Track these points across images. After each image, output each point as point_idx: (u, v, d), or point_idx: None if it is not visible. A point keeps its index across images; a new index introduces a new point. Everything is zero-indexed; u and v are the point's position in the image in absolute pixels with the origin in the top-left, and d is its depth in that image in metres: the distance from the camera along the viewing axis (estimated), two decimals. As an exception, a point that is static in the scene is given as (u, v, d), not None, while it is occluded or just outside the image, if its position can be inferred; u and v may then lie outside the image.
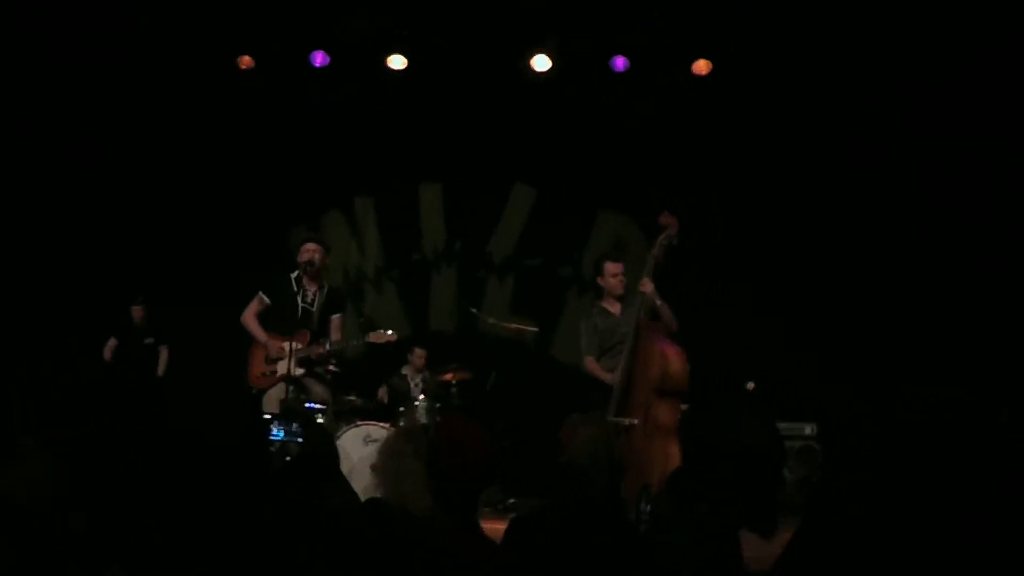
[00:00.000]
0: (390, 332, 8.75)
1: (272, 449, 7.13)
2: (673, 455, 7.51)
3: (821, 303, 10.63)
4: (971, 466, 2.87)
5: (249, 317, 8.74)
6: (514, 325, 10.36)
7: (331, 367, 8.69)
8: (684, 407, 8.11)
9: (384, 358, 10.50)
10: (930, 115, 10.28)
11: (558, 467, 4.45)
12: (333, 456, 4.53)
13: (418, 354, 11.03)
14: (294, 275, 8.70)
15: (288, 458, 6.80)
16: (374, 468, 4.90)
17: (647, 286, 8.04)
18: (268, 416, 7.75)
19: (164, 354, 11.48)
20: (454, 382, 10.17)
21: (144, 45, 11.25)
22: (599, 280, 8.49)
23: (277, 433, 7.53)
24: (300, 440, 7.37)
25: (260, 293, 8.76)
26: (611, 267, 8.43)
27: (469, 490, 3.86)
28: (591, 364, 8.32)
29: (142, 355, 11.45)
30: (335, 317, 8.77)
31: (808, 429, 10.31)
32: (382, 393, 10.68)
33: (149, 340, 11.46)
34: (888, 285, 10.43)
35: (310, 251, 8.65)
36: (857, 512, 2.86)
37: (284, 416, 7.77)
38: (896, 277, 10.42)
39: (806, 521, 2.99)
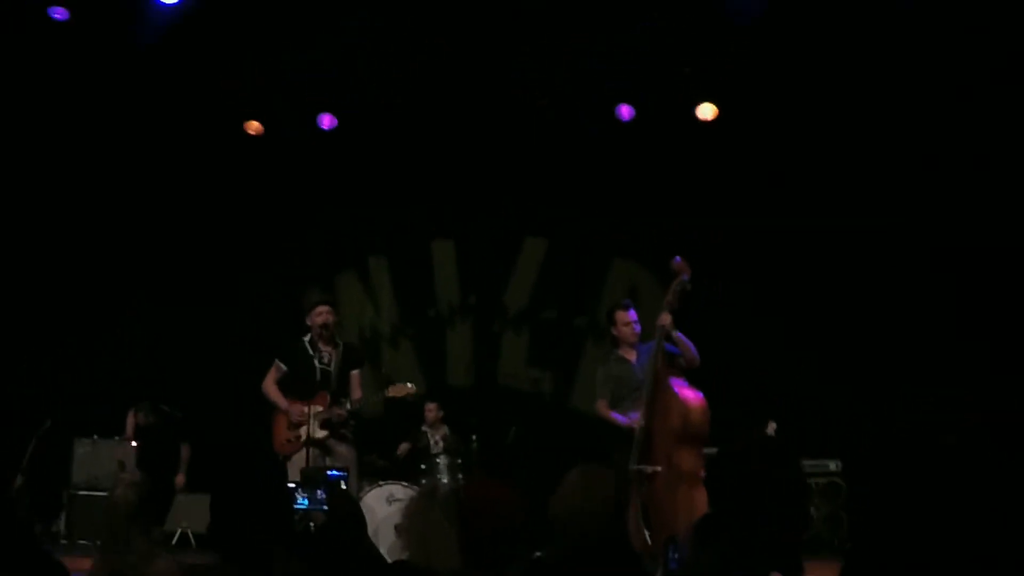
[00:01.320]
0: (410, 385, 8.73)
1: (296, 517, 7.11)
2: (698, 502, 7.49)
3: (843, 341, 10.59)
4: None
5: (269, 385, 8.76)
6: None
7: (351, 426, 8.69)
8: (708, 451, 8.10)
9: (403, 416, 10.51)
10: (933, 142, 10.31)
11: (559, 518, 4.38)
12: (360, 521, 4.53)
13: (430, 408, 10.99)
14: (307, 338, 8.73)
15: (312, 525, 6.79)
16: (399, 529, 4.89)
17: (665, 319, 8.04)
18: (292, 484, 7.73)
19: (185, 453, 10.66)
20: (474, 438, 10.14)
21: (155, 110, 11.32)
22: (612, 330, 8.53)
23: (302, 501, 7.51)
24: (325, 507, 7.35)
25: (277, 360, 8.79)
26: (622, 316, 8.47)
27: (500, 551, 3.86)
28: (602, 408, 8.36)
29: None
30: (355, 373, 8.78)
31: (833, 465, 10.28)
32: (403, 449, 10.65)
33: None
34: (908, 320, 10.38)
35: (323, 313, 8.67)
36: (896, 544, 2.86)
37: (307, 483, 7.75)
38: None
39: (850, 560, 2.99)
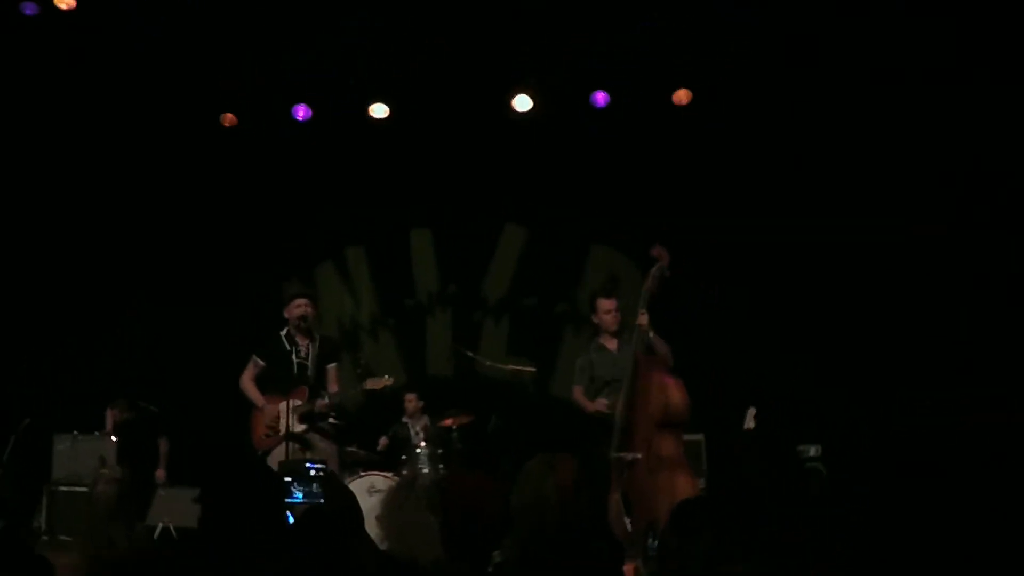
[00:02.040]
0: (387, 377, 8.72)
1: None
2: (678, 487, 7.52)
3: (820, 324, 10.59)
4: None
5: (247, 381, 8.76)
6: (511, 366, 10.32)
7: (332, 420, 8.68)
8: (688, 437, 8.14)
9: (384, 407, 10.51)
10: (919, 126, 10.29)
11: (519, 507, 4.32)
12: (357, 512, 4.50)
13: (409, 399, 10.98)
14: (284, 332, 8.71)
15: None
16: (379, 519, 4.88)
17: (642, 319, 8.07)
18: (288, 479, 7.71)
19: (164, 447, 10.71)
20: (455, 427, 10.13)
21: (130, 102, 11.28)
22: (593, 317, 8.55)
23: (296, 495, 7.50)
24: (321, 500, 7.33)
25: (254, 356, 8.79)
26: (604, 303, 8.50)
27: (482, 542, 3.86)
28: (577, 394, 8.43)
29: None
30: (331, 367, 8.77)
31: (812, 451, 10.28)
32: (383, 443, 10.66)
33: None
34: (888, 299, 10.38)
35: (302, 306, 8.66)
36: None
37: (297, 476, 7.74)
38: (897, 291, 10.37)
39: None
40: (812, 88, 10.54)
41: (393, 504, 4.85)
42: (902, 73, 10.13)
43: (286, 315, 8.69)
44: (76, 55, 10.59)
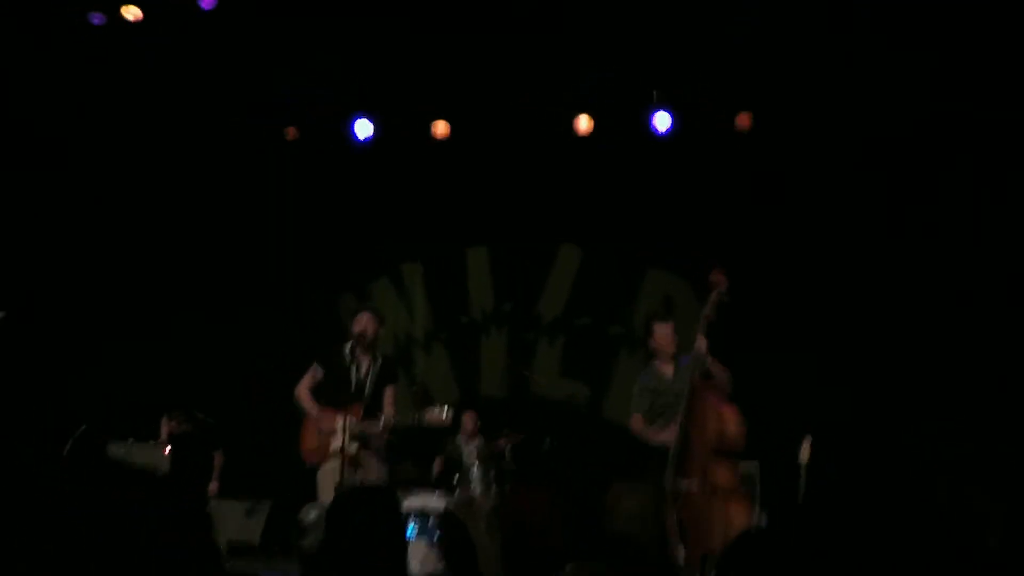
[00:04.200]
0: (445, 415, 8.61)
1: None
2: (733, 516, 7.47)
3: (881, 352, 10.47)
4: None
5: (303, 390, 8.70)
6: (565, 389, 10.29)
7: (385, 438, 8.65)
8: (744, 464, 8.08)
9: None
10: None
11: (606, 537, 4.37)
12: (471, 548, 4.48)
13: (468, 418, 10.95)
14: (347, 346, 8.67)
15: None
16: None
17: (701, 343, 8.02)
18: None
19: (218, 460, 10.67)
20: (508, 447, 10.10)
21: (194, 116, 11.38)
22: (650, 341, 8.49)
23: (411, 532, 7.49)
24: (436, 539, 7.32)
25: (315, 365, 8.73)
26: (660, 328, 8.45)
27: (545, 566, 3.84)
28: (637, 423, 8.35)
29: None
30: (388, 389, 8.72)
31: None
32: (437, 465, 10.60)
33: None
34: (952, 330, 10.25)
35: (363, 322, 8.63)
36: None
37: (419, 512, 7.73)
38: (961, 322, 10.24)
39: None
40: (870, 119, 10.48)
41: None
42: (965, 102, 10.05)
43: (352, 329, 8.66)
44: (140, 66, 10.67)
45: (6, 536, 3.12)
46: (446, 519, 7.04)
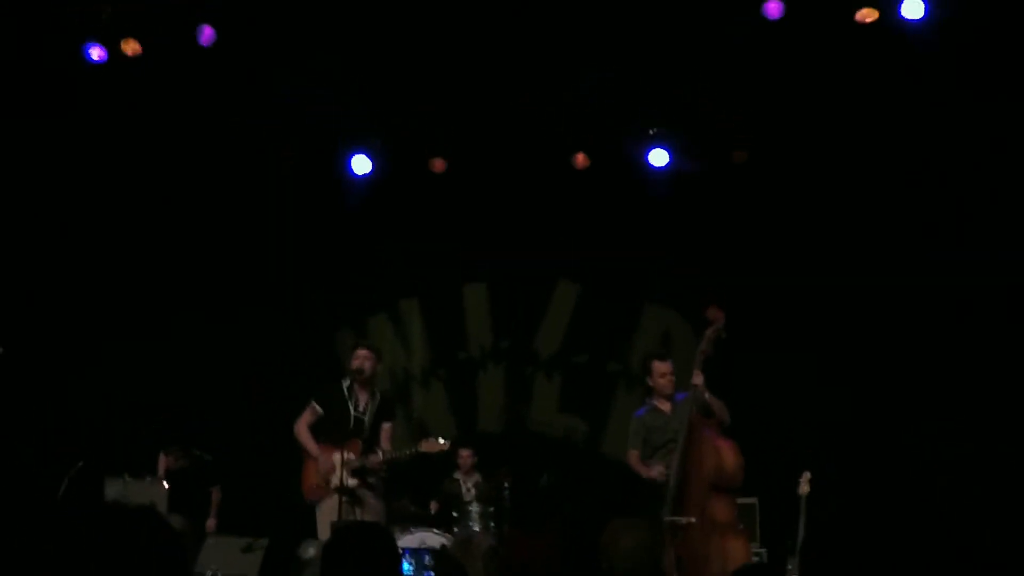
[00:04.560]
0: (442, 441, 8.66)
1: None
2: (731, 552, 7.47)
3: (879, 386, 10.47)
4: None
5: (302, 428, 8.71)
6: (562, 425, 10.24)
7: (382, 474, 8.65)
8: (742, 501, 8.07)
9: (435, 461, 10.47)
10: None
11: (604, 574, 4.38)
12: None
13: (464, 455, 10.91)
14: (345, 382, 8.68)
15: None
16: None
17: (698, 379, 8.04)
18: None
19: (216, 496, 10.59)
20: (506, 484, 10.08)
21: (191, 124, 11.39)
22: (648, 379, 8.50)
23: (407, 568, 7.49)
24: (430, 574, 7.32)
25: (312, 403, 8.75)
26: (659, 366, 8.47)
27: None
28: (633, 459, 8.37)
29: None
30: (386, 426, 8.74)
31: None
32: (434, 507, 10.55)
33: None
34: (952, 362, 10.25)
35: (361, 358, 8.65)
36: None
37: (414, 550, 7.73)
38: (963, 353, 10.25)
39: None
40: (868, 150, 10.53)
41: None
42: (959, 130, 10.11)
43: (349, 365, 8.67)
44: (142, 69, 10.66)
45: (6, 536, 3.14)
46: (439, 556, 7.04)
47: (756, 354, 10.52)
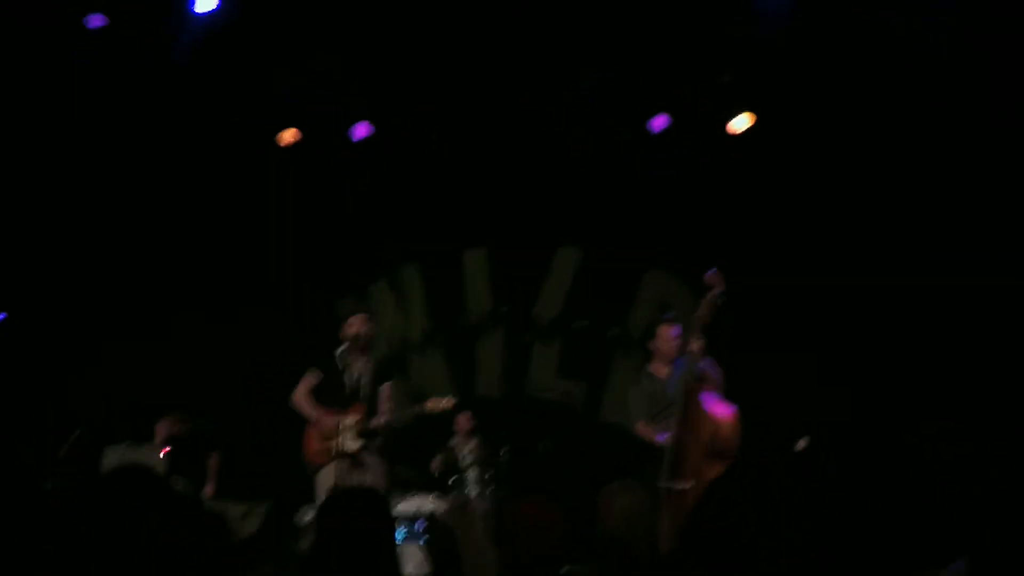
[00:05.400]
0: (446, 399, 8.66)
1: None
2: (728, 518, 7.45)
3: (877, 356, 10.48)
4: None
5: (301, 396, 8.71)
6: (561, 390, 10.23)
7: (381, 439, 8.65)
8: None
9: (434, 426, 10.49)
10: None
11: (597, 537, 4.40)
12: (456, 551, 4.50)
13: (462, 420, 10.94)
14: (342, 348, 8.67)
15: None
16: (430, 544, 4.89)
17: (695, 344, 8.03)
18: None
19: (214, 462, 10.58)
20: (504, 450, 10.09)
21: (190, 119, 11.37)
22: (651, 344, 8.49)
23: (400, 535, 7.50)
24: (422, 541, 7.32)
25: (310, 370, 8.74)
26: (665, 331, 8.46)
27: (543, 571, 3.85)
28: (642, 429, 8.32)
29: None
30: (385, 386, 8.74)
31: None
32: (435, 465, 10.59)
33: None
34: (948, 338, 10.25)
35: (357, 324, 8.64)
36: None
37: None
38: (957, 330, 10.24)
39: None
40: (868, 150, 10.52)
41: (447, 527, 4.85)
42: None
43: (344, 333, 8.67)
44: (139, 66, 10.65)
45: (6, 536, 3.13)
46: (432, 523, 7.05)
47: (754, 354, 10.49)
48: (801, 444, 8.72)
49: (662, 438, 8.08)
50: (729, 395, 8.20)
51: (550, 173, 11.71)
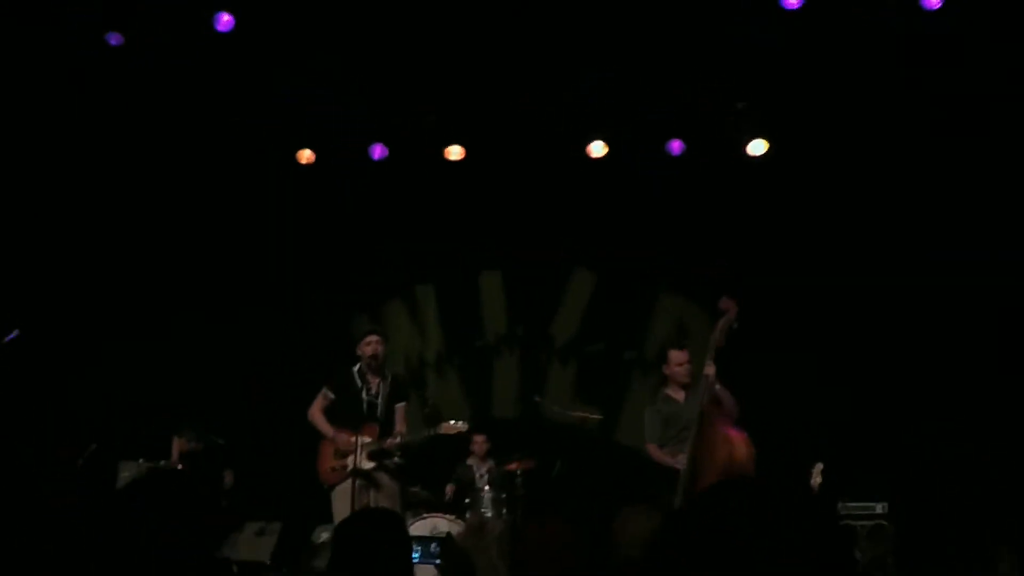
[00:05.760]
0: (461, 423, 8.67)
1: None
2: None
3: (889, 380, 10.47)
4: None
5: (316, 413, 8.72)
6: (578, 413, 10.29)
7: (396, 459, 8.65)
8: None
9: (449, 447, 10.49)
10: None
11: (616, 563, 4.39)
12: (471, 573, 4.51)
13: (478, 441, 10.92)
14: (356, 368, 8.68)
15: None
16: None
17: (710, 369, 8.03)
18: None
19: (228, 479, 10.55)
20: (519, 471, 10.09)
21: (206, 139, 11.42)
22: (664, 368, 8.50)
23: (414, 554, 7.51)
24: (437, 562, 7.32)
25: (324, 389, 8.75)
26: (676, 356, 8.46)
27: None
28: (653, 451, 8.32)
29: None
30: (399, 406, 8.74)
31: (879, 508, 10.12)
32: (450, 491, 10.56)
33: None
34: (957, 359, 10.25)
35: (372, 343, 8.65)
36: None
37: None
38: (974, 347, 10.23)
39: None
40: (871, 151, 10.53)
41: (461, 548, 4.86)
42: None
43: (359, 351, 8.68)
44: (148, 71, 10.67)
45: (6, 536, 3.16)
46: (446, 544, 7.04)
47: (757, 354, 10.49)
48: (816, 473, 8.70)
49: (674, 462, 8.08)
50: (743, 419, 8.20)
51: (566, 193, 11.72)
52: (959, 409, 10.10)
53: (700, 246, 11.44)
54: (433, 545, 7.73)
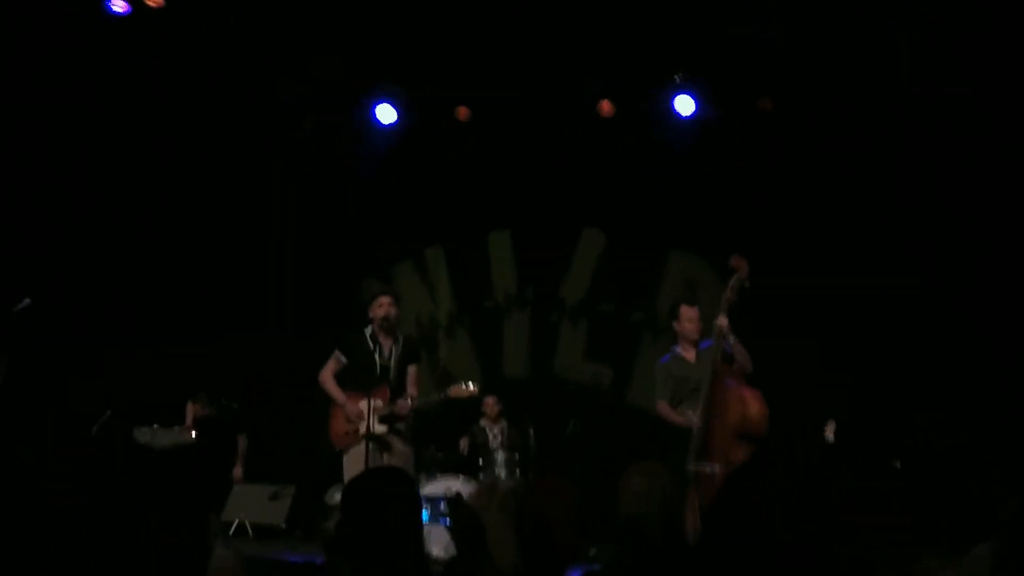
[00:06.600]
0: (472, 386, 8.64)
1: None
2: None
3: (903, 337, 10.45)
4: None
5: (327, 377, 8.68)
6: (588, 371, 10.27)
7: (410, 421, 8.64)
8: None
9: (461, 408, 10.50)
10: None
11: (619, 520, 4.37)
12: (480, 532, 4.51)
13: (490, 403, 10.95)
14: (368, 330, 8.65)
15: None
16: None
17: (722, 320, 7.98)
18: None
19: (242, 444, 10.52)
20: (532, 432, 10.10)
21: (218, 103, 11.41)
22: (675, 324, 8.46)
23: (424, 516, 7.54)
24: (447, 522, 7.32)
25: (336, 352, 8.71)
26: (687, 311, 8.40)
27: (557, 556, 3.85)
28: (663, 408, 8.28)
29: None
30: (411, 368, 8.70)
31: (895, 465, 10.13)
32: (463, 444, 10.63)
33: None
34: (966, 323, 10.22)
35: (384, 305, 8.60)
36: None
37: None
38: (977, 314, 10.21)
39: None
40: (873, 151, 10.49)
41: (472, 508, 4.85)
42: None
43: (370, 314, 8.65)
44: (160, 55, 10.68)
45: (6, 536, 3.16)
46: (455, 504, 7.03)
47: (783, 302, 10.49)
48: (829, 430, 8.69)
49: (684, 420, 8.06)
50: (756, 376, 8.17)
51: (575, 153, 11.70)
52: (953, 401, 10.07)
53: (710, 204, 11.40)
54: (442, 504, 7.74)
